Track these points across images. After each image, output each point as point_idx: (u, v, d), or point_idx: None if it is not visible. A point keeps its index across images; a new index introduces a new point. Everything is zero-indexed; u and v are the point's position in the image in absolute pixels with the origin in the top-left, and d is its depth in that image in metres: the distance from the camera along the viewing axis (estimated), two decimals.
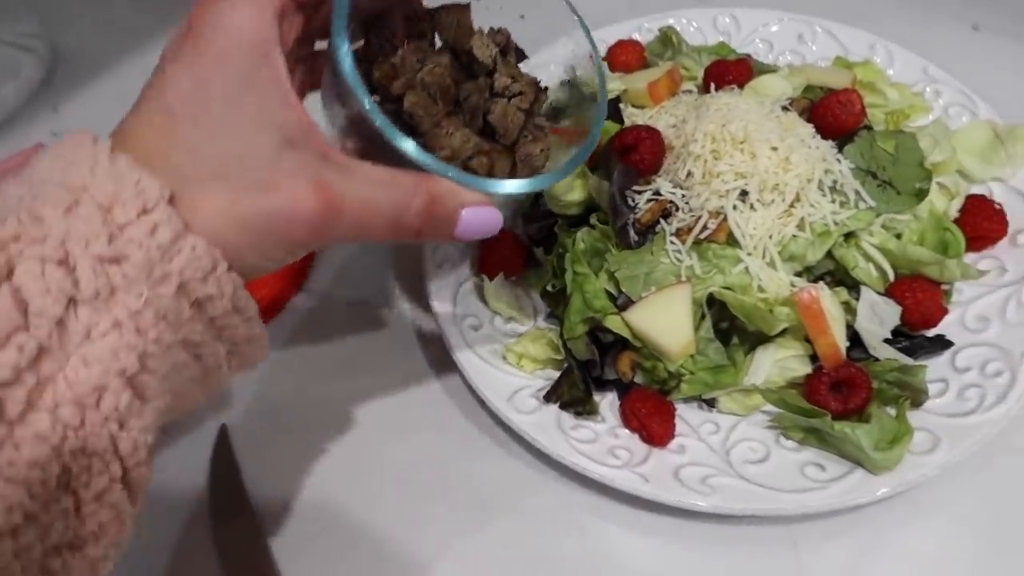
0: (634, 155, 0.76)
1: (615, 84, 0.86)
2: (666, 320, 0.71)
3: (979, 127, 0.85)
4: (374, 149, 0.49)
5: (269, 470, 0.76)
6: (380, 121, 0.47)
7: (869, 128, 0.81)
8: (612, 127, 0.80)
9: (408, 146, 0.48)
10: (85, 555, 0.41)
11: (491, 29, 0.60)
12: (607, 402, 0.75)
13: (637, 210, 0.75)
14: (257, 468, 0.77)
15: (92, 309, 0.38)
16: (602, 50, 0.97)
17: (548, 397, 0.73)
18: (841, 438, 0.66)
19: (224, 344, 0.46)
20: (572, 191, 0.77)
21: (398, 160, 0.48)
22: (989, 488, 0.71)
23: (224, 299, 0.43)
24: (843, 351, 0.70)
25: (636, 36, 0.99)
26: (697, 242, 0.73)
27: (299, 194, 0.44)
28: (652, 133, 0.76)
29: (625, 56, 0.95)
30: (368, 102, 0.47)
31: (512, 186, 0.53)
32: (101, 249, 0.38)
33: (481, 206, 0.51)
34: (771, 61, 0.96)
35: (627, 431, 0.73)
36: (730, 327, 0.74)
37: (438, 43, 0.60)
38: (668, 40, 0.96)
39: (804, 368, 0.71)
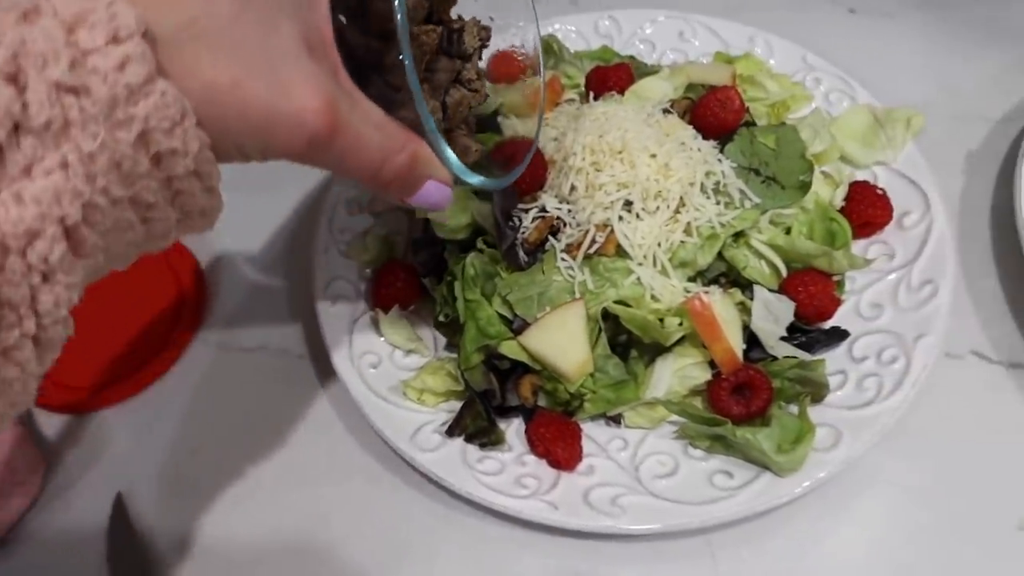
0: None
1: (491, 99, 0.84)
2: (561, 341, 0.69)
3: (858, 112, 0.85)
4: (375, 84, 0.47)
5: (170, 533, 0.73)
6: (409, 67, 0.45)
7: (750, 124, 0.81)
8: (490, 141, 0.78)
9: (424, 109, 0.46)
10: None
11: (479, 23, 0.62)
12: (513, 429, 0.73)
13: (524, 229, 0.73)
14: (158, 532, 0.73)
15: (39, 141, 0.33)
16: (483, 63, 0.95)
17: (451, 431, 0.71)
18: (744, 444, 0.66)
19: (176, 211, 0.41)
20: (458, 215, 0.74)
21: (391, 106, 0.47)
22: (896, 476, 0.71)
23: (187, 158, 0.38)
24: (739, 355, 0.70)
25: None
26: (588, 256, 0.72)
27: (311, 105, 0.41)
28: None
29: (507, 67, 0.92)
30: (406, 44, 0.44)
31: (481, 181, 0.53)
32: (60, 75, 0.33)
33: (445, 184, 0.51)
34: (654, 61, 0.96)
35: (535, 457, 0.71)
36: (628, 340, 0.72)
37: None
38: (549, 48, 0.94)
39: (704, 375, 0.70)
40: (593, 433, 0.72)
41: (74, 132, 0.34)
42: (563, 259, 0.72)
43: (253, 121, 0.40)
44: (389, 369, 0.77)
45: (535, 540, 0.70)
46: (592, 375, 0.70)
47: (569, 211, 0.73)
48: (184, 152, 0.38)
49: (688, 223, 0.71)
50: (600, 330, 0.71)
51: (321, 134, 0.42)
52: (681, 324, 0.69)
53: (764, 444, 0.65)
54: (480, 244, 0.74)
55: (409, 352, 0.78)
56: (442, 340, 0.80)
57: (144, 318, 0.85)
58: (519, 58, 0.91)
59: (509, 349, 0.70)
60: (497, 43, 0.66)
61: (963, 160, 0.90)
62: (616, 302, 0.70)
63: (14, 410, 0.38)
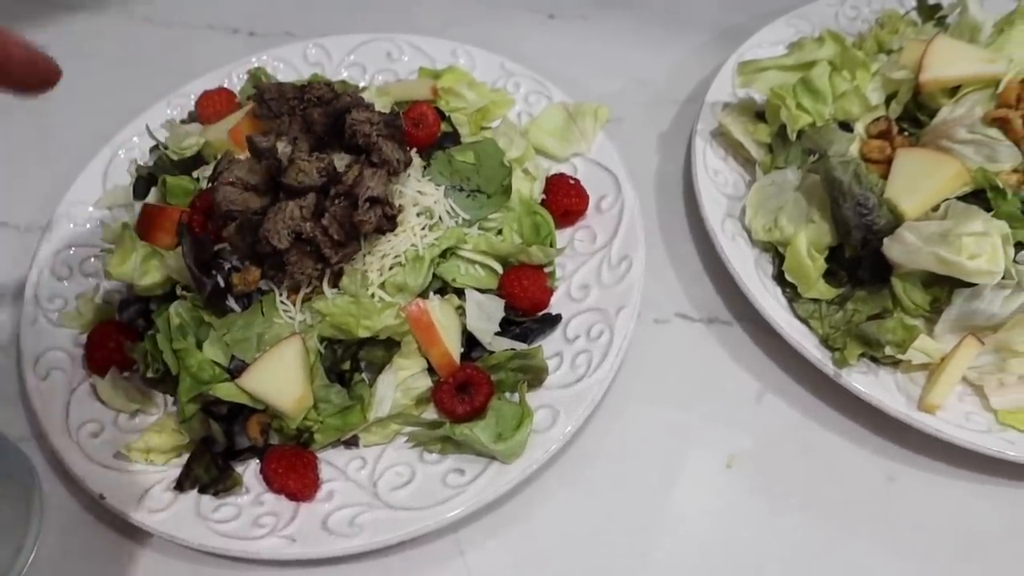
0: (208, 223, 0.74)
1: (192, 140, 0.83)
2: (278, 378, 0.69)
3: (553, 110, 0.91)
4: None
5: None
6: None
7: (451, 134, 0.85)
8: (185, 186, 0.78)
9: None
10: None
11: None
12: (252, 471, 0.72)
13: (228, 274, 0.73)
14: None
15: None
16: (190, 104, 0.93)
17: (180, 486, 0.69)
18: (465, 439, 0.68)
19: None
20: (146, 275, 0.73)
21: None
22: (620, 440, 0.76)
23: None
24: (456, 357, 0.72)
25: (226, 84, 0.96)
26: (307, 298, 0.72)
27: None
28: None
29: (216, 106, 0.91)
30: None
31: None
32: None
33: None
34: (366, 82, 0.97)
35: (273, 495, 0.70)
36: (353, 365, 0.73)
37: None
38: (259, 81, 0.94)
39: (426, 382, 0.72)
40: (332, 458, 0.72)
41: None
42: (282, 303, 0.72)
43: None
44: (114, 435, 0.73)
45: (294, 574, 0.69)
46: (316, 407, 0.70)
47: None
48: None
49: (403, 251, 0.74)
50: (319, 361, 0.71)
51: None
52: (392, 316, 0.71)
53: (482, 436, 0.67)
54: (180, 291, 0.72)
55: (136, 413, 0.75)
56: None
57: None
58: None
59: (226, 392, 0.69)
60: None
61: (656, 140, 0.98)
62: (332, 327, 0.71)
63: None
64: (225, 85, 0.96)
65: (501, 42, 1.02)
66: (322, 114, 0.77)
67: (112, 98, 1.00)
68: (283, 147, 0.74)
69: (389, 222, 0.73)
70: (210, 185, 0.75)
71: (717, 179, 0.86)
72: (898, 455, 0.74)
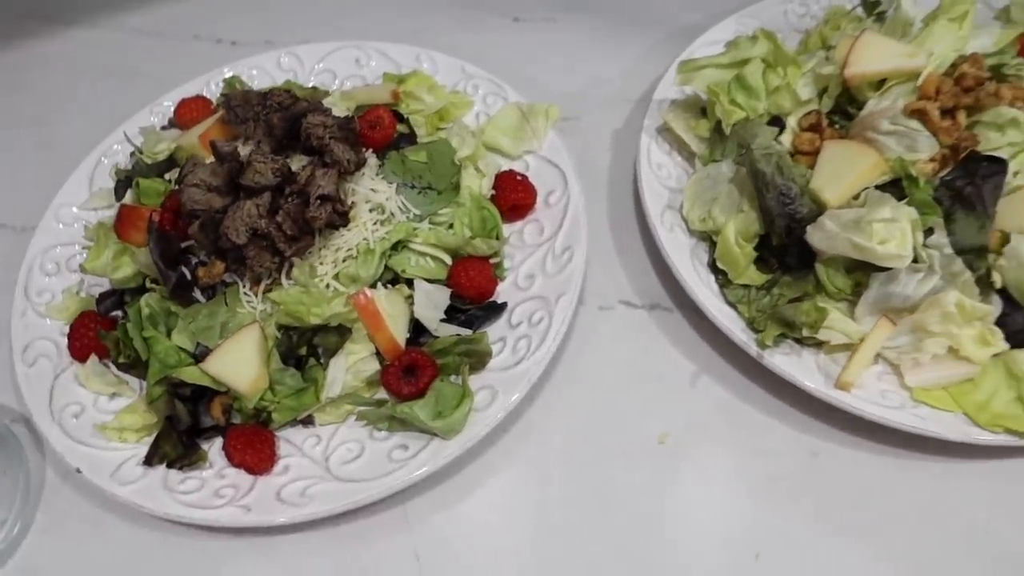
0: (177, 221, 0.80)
1: (163, 145, 0.90)
2: (236, 362, 0.75)
3: (508, 110, 0.96)
4: None
5: None
6: None
7: (408, 136, 0.91)
8: (157, 188, 0.84)
9: None
10: None
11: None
12: (216, 448, 0.78)
13: (196, 268, 0.79)
14: None
15: None
16: (170, 111, 1.00)
17: (148, 461, 0.75)
18: (406, 417, 0.74)
19: None
20: (118, 270, 0.79)
21: None
22: (562, 417, 0.81)
23: None
24: (402, 342, 0.78)
25: (205, 92, 1.02)
26: (268, 289, 0.79)
27: None
28: None
29: (193, 113, 0.98)
30: None
31: None
32: None
33: None
34: (336, 88, 1.03)
35: (234, 469, 0.76)
36: (309, 350, 0.79)
37: None
38: (232, 89, 1.00)
39: (375, 365, 0.78)
40: (290, 436, 0.78)
41: None
42: (246, 295, 0.78)
43: None
44: (93, 415, 0.80)
45: (255, 545, 0.75)
46: (272, 388, 0.76)
47: None
48: None
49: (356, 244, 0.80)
50: (275, 346, 0.77)
51: None
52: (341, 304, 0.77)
53: (420, 414, 0.73)
54: (150, 284, 0.79)
55: (113, 396, 0.81)
56: None
57: None
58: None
59: (190, 375, 0.75)
60: None
61: (610, 137, 1.03)
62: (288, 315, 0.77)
63: None
64: (204, 93, 1.02)
65: (469, 46, 1.07)
66: (281, 119, 0.83)
67: (103, 106, 1.08)
68: (244, 150, 0.80)
69: (341, 217, 0.79)
70: (177, 187, 0.81)
71: (660, 173, 0.91)
72: (821, 431, 0.78)
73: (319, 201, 0.77)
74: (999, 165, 0.74)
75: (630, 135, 1.02)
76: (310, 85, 1.03)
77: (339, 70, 1.06)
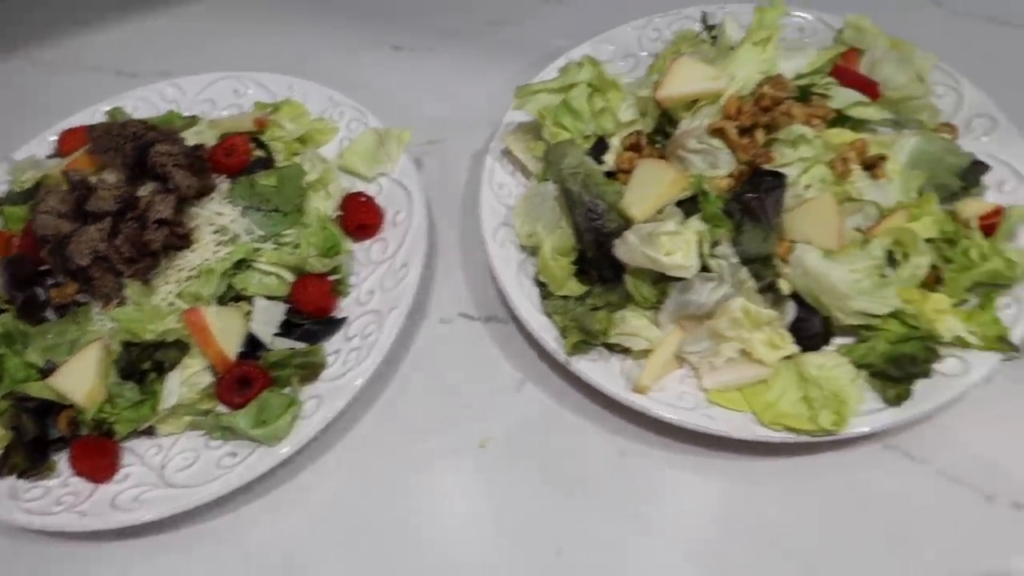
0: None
1: (29, 174, 0.96)
2: (75, 376, 0.80)
3: (366, 135, 1.02)
4: None
5: None
6: None
7: (264, 160, 0.96)
8: (20, 215, 0.90)
9: None
10: None
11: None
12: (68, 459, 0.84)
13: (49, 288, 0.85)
14: None
15: None
16: (51, 144, 1.06)
17: None
18: (230, 426, 0.79)
19: None
20: None
21: None
22: (395, 428, 0.86)
23: None
24: (231, 356, 0.83)
25: (93, 122, 1.08)
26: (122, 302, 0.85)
27: None
28: None
29: (73, 143, 1.04)
30: None
31: None
32: None
33: None
34: (215, 116, 1.09)
35: (78, 478, 0.81)
36: (153, 365, 0.84)
37: None
38: (114, 119, 1.06)
39: (209, 378, 0.83)
40: (135, 447, 0.84)
41: None
42: (97, 313, 0.84)
43: None
44: None
45: (92, 550, 0.81)
46: (111, 401, 0.81)
47: None
48: None
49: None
50: (113, 361, 0.83)
51: None
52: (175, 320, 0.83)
53: (241, 422, 0.78)
54: (4, 305, 0.85)
55: None
56: None
57: None
58: None
59: (36, 389, 0.81)
60: None
61: (469, 159, 1.08)
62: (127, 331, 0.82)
63: None
64: (92, 123, 1.08)
65: (349, 75, 1.13)
66: (132, 148, 0.89)
67: (3, 137, 1.14)
68: (95, 179, 0.86)
69: (180, 240, 0.85)
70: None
71: (501, 192, 0.96)
72: (631, 433, 0.83)
73: (156, 225, 0.83)
74: (778, 179, 0.79)
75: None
76: (190, 115, 1.09)
77: (219, 100, 1.12)
